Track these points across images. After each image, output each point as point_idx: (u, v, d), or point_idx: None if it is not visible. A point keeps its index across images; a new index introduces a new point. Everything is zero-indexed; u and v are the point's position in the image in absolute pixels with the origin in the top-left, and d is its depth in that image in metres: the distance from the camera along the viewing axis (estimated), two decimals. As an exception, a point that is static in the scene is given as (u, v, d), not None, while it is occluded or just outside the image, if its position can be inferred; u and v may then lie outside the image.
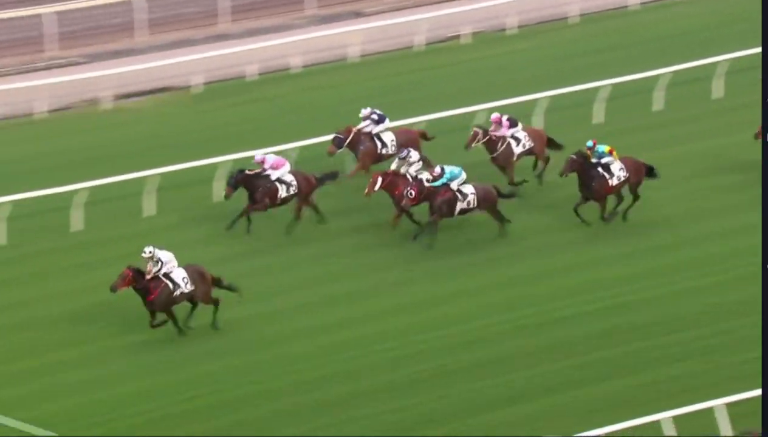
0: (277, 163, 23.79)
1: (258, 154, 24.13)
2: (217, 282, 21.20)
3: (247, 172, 23.65)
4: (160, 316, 20.91)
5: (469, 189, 23.14)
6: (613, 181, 23.60)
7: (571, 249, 23.72)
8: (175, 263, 20.93)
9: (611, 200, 23.95)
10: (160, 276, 20.70)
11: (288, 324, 21.76)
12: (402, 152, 23.75)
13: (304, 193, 23.75)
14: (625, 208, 24.13)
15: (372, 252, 23.57)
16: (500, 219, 23.51)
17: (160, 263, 20.72)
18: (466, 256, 23.38)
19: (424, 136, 25.42)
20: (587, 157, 23.57)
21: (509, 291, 22.48)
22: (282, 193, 23.69)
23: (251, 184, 23.66)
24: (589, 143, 23.83)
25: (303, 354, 21.02)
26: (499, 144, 24.78)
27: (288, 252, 23.74)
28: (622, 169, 23.59)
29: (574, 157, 23.63)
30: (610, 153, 23.71)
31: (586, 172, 23.48)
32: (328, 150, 25.09)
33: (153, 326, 20.84)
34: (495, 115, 25.11)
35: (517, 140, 24.89)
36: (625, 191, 24.29)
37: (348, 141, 24.85)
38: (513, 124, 24.99)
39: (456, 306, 22.06)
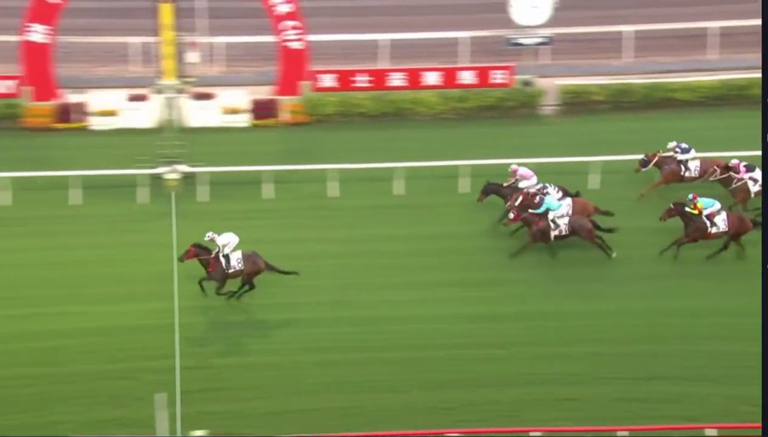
0: (526, 174, 27.26)
1: (513, 165, 27.71)
2: (270, 268, 24.34)
3: (501, 184, 27.37)
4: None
5: (563, 220, 25.57)
6: (712, 230, 25.64)
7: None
8: (236, 242, 24.28)
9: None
10: (220, 256, 24.15)
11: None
12: (539, 185, 27.01)
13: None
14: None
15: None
16: (600, 246, 25.76)
17: (218, 245, 24.19)
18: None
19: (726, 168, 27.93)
20: (684, 206, 25.81)
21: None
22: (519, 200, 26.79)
23: (500, 194, 27.39)
24: (690, 196, 25.99)
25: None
26: (735, 181, 27.55)
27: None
28: (724, 221, 25.66)
29: (672, 206, 25.93)
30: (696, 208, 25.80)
31: (687, 218, 25.71)
32: (635, 168, 28.46)
33: (217, 293, 24.41)
34: (734, 161, 27.67)
35: (755, 181, 27.39)
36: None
37: (653, 163, 28.35)
38: (750, 169, 27.48)
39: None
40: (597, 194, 28.24)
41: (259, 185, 29.08)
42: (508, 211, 26.45)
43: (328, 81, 34.50)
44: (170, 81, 30.37)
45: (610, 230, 25.88)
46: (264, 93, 34.49)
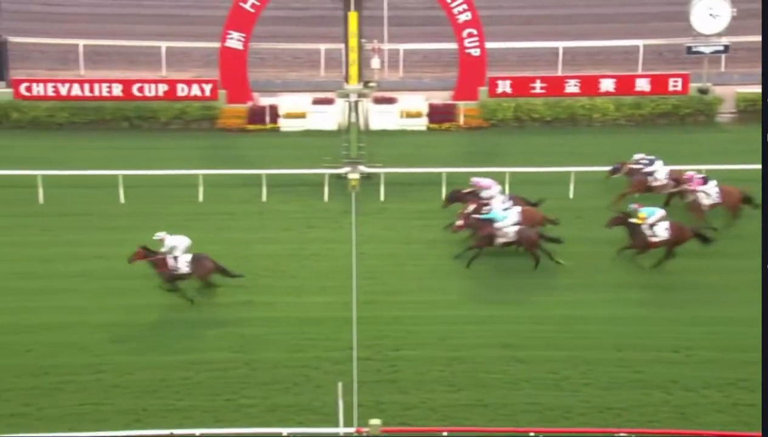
0: (486, 185, 27.23)
1: (474, 178, 27.71)
2: (222, 271, 24.30)
3: (462, 191, 27.51)
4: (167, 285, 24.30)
5: (510, 228, 25.39)
6: (654, 239, 25.35)
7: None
8: (187, 245, 24.07)
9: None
10: (168, 257, 23.89)
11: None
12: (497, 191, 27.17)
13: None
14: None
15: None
16: (535, 258, 25.53)
17: (168, 246, 23.94)
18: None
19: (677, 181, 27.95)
20: (629, 216, 25.63)
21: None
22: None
23: (463, 200, 27.29)
24: (632, 206, 25.88)
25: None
26: (689, 195, 27.36)
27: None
28: (667, 229, 25.33)
29: (619, 215, 25.77)
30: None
31: (631, 228, 25.49)
32: (608, 172, 28.79)
33: (164, 289, 24.23)
34: (689, 174, 27.64)
35: (707, 194, 27.21)
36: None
37: (623, 172, 28.61)
38: (705, 181, 27.35)
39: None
40: None
41: (435, 186, 29.27)
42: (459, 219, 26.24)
43: (504, 87, 34.46)
44: (354, 85, 30.89)
45: (557, 240, 25.58)
46: (442, 98, 34.70)
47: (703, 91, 33.84)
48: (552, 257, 25.53)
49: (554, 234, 26.00)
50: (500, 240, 25.56)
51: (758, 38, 34.92)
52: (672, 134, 32.79)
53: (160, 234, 24.30)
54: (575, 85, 34.22)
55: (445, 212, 28.28)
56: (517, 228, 25.60)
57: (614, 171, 28.71)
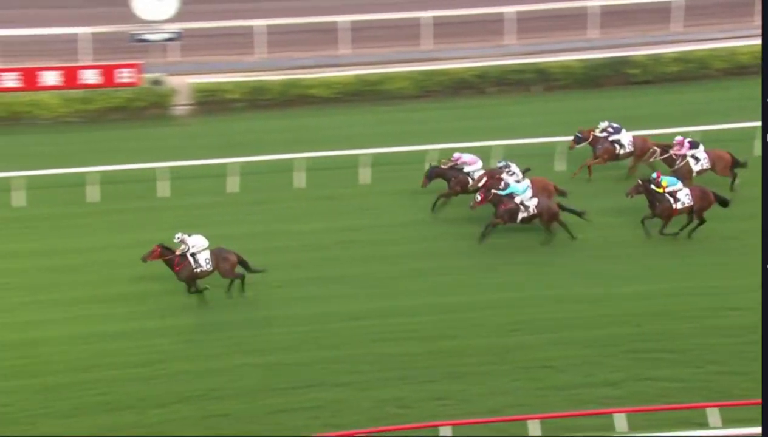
0: (470, 160, 25.90)
1: (456, 153, 26.12)
2: (243, 264, 23.07)
3: (441, 166, 26.03)
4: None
5: (532, 202, 24.49)
6: (677, 206, 24.81)
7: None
8: (205, 245, 22.89)
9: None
10: (187, 255, 22.78)
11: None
12: (502, 162, 25.63)
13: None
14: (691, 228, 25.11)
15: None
16: (550, 232, 24.69)
17: (186, 246, 22.78)
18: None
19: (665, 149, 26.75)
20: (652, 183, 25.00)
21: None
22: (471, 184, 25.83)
23: (445, 176, 25.82)
24: (654, 175, 25.06)
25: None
26: (678, 161, 26.37)
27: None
28: (687, 195, 24.85)
29: (639, 182, 25.07)
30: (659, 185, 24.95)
31: (652, 196, 24.94)
32: (569, 145, 27.36)
33: (189, 292, 23.01)
34: (678, 138, 26.67)
35: (696, 159, 26.43)
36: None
37: (588, 141, 27.31)
38: (693, 145, 26.55)
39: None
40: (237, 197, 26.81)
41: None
42: (450, 194, 25.53)
43: None
44: None
45: (577, 212, 24.64)
46: None
47: (156, 83, 31.85)
48: (569, 231, 24.41)
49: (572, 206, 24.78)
50: (522, 215, 24.33)
51: (212, 24, 33.82)
52: (127, 130, 30.40)
53: (179, 236, 22.83)
54: (16, 79, 30.63)
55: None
56: (535, 201, 24.36)
57: (578, 140, 27.12)
